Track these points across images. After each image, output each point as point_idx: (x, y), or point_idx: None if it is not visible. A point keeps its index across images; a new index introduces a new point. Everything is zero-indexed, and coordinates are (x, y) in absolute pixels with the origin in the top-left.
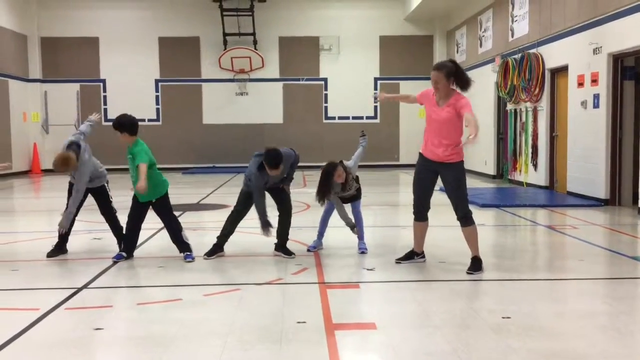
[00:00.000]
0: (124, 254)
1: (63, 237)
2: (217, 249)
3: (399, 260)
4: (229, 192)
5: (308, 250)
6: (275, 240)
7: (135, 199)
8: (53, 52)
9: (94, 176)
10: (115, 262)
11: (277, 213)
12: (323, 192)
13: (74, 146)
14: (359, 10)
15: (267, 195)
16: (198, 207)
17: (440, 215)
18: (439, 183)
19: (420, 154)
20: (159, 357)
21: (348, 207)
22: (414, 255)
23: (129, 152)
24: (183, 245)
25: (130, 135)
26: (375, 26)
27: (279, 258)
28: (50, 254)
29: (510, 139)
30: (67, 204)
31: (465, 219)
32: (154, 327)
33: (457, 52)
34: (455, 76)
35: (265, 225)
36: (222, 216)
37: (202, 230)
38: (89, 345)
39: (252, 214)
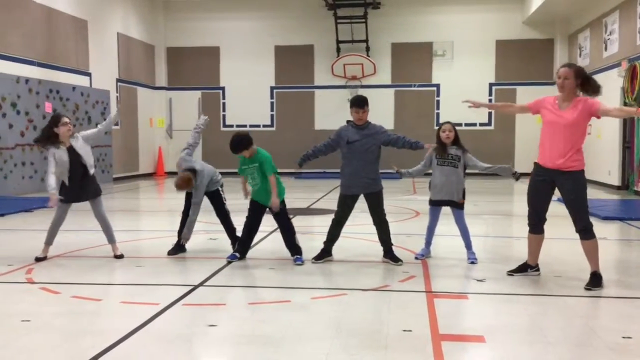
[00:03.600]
0: (237, 254)
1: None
2: (324, 254)
3: (512, 273)
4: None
5: (416, 258)
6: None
7: (253, 202)
8: (177, 61)
9: (210, 183)
10: (229, 262)
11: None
12: (437, 147)
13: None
14: (475, 15)
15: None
16: (308, 211)
17: (558, 227)
18: (557, 193)
19: (536, 164)
20: (269, 356)
21: (450, 218)
22: (527, 268)
23: (251, 162)
24: (295, 249)
25: (249, 148)
26: (491, 30)
27: (387, 265)
28: (171, 252)
29: (637, 147)
30: (188, 216)
31: (585, 232)
32: (264, 326)
33: (580, 55)
34: (584, 80)
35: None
36: (329, 221)
37: (311, 234)
38: (203, 340)
39: (355, 220)
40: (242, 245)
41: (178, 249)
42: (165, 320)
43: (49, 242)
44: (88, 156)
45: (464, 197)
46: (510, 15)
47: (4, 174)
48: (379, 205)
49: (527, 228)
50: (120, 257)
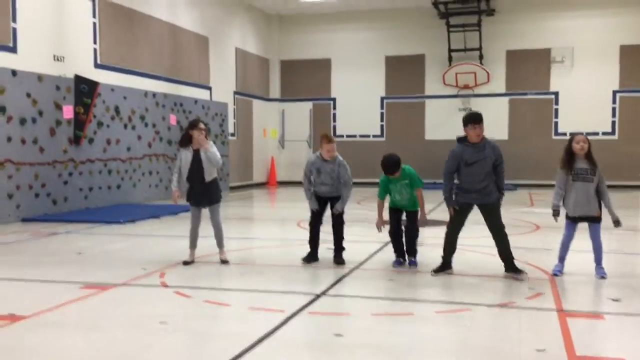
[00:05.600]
0: (401, 259)
1: (315, 246)
2: (445, 267)
3: None
4: None
5: (554, 275)
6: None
7: (393, 210)
8: (290, 74)
9: (336, 185)
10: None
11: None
12: (564, 160)
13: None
14: (597, 19)
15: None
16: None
17: None
18: None
19: None
20: None
21: (584, 233)
22: None
23: (399, 180)
24: (413, 252)
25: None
26: (615, 35)
27: (508, 280)
28: (306, 260)
29: None
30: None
31: None
32: (390, 338)
33: None
34: None
35: (448, 200)
36: (443, 232)
37: (425, 245)
38: (332, 350)
39: (472, 232)
40: (400, 250)
41: (311, 257)
42: (293, 328)
43: (192, 245)
44: (208, 165)
45: (600, 209)
46: (636, 18)
47: (133, 182)
48: (496, 216)
49: None
50: (226, 262)
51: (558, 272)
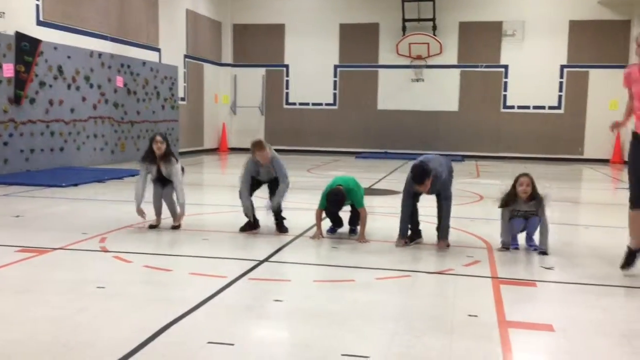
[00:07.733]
0: (336, 227)
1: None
2: (415, 236)
3: (625, 266)
4: (400, 178)
5: (514, 248)
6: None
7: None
8: (243, 38)
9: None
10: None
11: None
12: (505, 201)
13: None
14: None
15: None
16: (369, 191)
17: None
18: None
19: (635, 134)
20: (334, 334)
21: None
22: (635, 255)
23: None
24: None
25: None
26: (565, 10)
27: (451, 248)
28: (243, 229)
29: None
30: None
31: None
32: (329, 304)
33: None
34: None
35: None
36: (391, 202)
37: (372, 214)
38: (269, 315)
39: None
40: (336, 221)
41: (250, 226)
42: (233, 293)
43: (157, 213)
44: (170, 178)
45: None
46: None
47: (77, 145)
48: (444, 188)
49: (628, 205)
50: (177, 227)
51: (514, 246)
